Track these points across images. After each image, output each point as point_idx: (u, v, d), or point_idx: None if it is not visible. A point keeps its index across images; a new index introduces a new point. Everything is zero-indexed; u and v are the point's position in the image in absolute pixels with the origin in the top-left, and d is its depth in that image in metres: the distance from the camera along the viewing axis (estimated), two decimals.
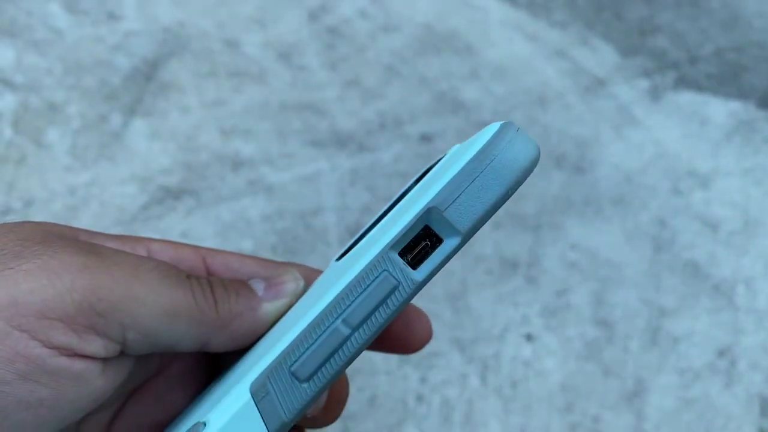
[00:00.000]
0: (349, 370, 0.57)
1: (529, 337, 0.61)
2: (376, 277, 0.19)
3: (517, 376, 0.59)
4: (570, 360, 0.60)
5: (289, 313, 0.24)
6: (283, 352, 0.18)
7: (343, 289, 0.19)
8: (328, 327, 0.18)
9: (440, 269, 0.20)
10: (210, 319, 0.23)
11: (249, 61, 0.76)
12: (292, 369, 0.18)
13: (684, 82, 0.80)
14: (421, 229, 0.20)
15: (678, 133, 0.76)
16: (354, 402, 0.56)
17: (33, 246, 0.21)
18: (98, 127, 0.69)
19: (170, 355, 0.26)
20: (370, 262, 0.19)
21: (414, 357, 0.59)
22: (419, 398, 0.57)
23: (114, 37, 0.76)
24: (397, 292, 0.19)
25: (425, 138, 0.72)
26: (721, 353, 0.61)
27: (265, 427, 0.18)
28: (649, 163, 0.73)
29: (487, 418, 0.56)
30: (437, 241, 0.20)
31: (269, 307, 0.24)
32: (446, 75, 0.77)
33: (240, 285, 0.24)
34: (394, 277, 0.19)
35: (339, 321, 0.18)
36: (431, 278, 0.20)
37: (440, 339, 0.60)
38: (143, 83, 0.73)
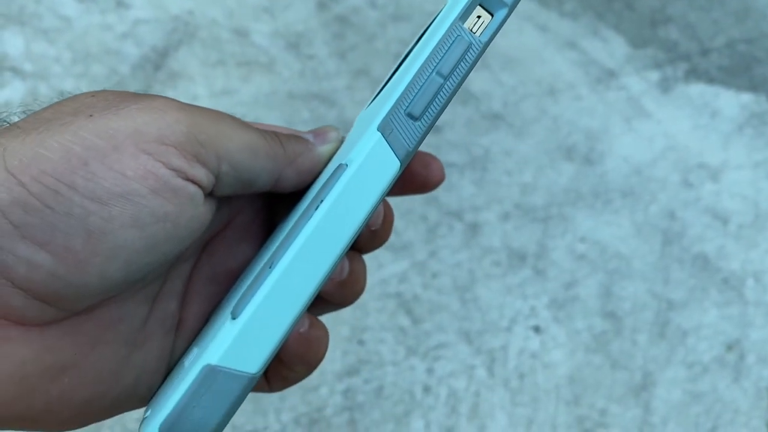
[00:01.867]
0: (355, 361, 0.57)
1: (536, 329, 0.61)
2: (453, 41, 0.25)
3: (525, 369, 0.59)
4: (578, 352, 0.60)
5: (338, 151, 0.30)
6: (397, 99, 0.24)
7: (432, 51, 0.25)
8: (427, 78, 0.24)
9: (495, 35, 0.26)
10: (280, 155, 0.27)
11: (258, 50, 0.76)
12: (407, 111, 0.24)
13: (695, 74, 0.80)
14: (476, 6, 0.26)
15: (688, 125, 0.75)
16: (361, 393, 0.56)
17: (130, 97, 0.25)
18: None
19: (234, 211, 0.30)
20: (446, 32, 0.25)
21: (421, 347, 0.59)
22: (426, 389, 0.57)
23: (123, 25, 0.76)
24: (470, 51, 0.25)
25: (434, 128, 0.71)
26: (730, 347, 0.61)
27: (395, 156, 0.24)
28: (659, 155, 0.72)
29: (494, 410, 0.56)
30: (490, 14, 0.26)
31: (322, 149, 0.29)
32: None
33: (294, 135, 0.29)
34: (466, 40, 0.25)
35: (434, 74, 0.24)
36: (490, 42, 0.25)
37: (448, 330, 0.60)
38: (152, 72, 0.73)
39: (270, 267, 0.23)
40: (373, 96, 0.32)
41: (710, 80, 0.79)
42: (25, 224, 0.22)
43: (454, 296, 0.61)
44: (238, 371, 0.21)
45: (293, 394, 0.55)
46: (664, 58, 0.81)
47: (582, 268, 0.64)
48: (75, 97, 0.25)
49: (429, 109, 0.24)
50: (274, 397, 0.55)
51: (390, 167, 0.24)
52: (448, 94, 0.25)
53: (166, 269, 0.27)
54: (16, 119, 0.24)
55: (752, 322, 0.62)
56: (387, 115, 0.24)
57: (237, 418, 0.54)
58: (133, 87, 0.71)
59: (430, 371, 0.58)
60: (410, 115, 0.24)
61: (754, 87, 0.79)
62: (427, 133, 0.25)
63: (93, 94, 0.25)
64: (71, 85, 0.70)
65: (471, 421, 0.56)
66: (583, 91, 0.77)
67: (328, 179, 0.24)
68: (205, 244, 0.29)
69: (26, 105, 0.26)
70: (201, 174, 0.24)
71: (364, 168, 0.23)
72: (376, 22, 0.80)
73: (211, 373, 0.21)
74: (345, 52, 0.77)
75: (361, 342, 0.58)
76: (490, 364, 0.58)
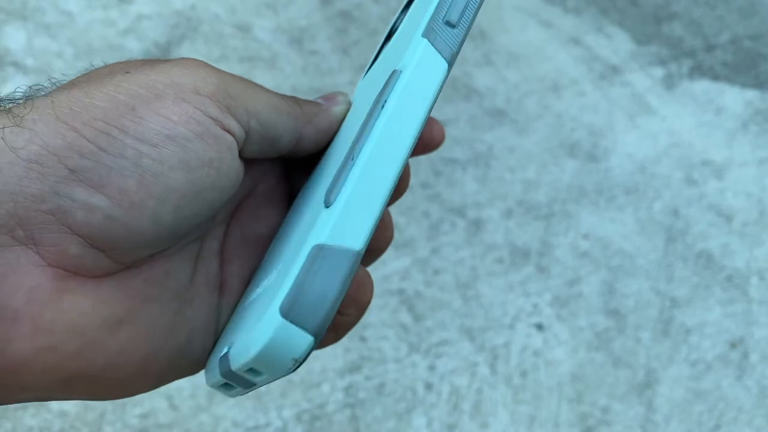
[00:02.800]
0: (357, 358, 0.57)
1: (539, 327, 0.60)
2: None
3: (527, 366, 0.58)
4: (580, 350, 0.59)
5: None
6: (435, 9, 0.26)
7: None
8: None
9: None
10: (299, 114, 0.28)
11: (260, 45, 0.76)
12: (445, 19, 0.26)
13: (699, 71, 0.79)
14: None
15: (693, 122, 0.75)
16: (362, 389, 0.56)
17: (159, 60, 0.27)
18: None
19: (257, 178, 0.31)
20: None
21: (423, 345, 0.58)
22: (428, 386, 0.57)
23: (125, 20, 0.76)
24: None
25: None
26: (734, 345, 0.61)
27: (443, 59, 0.26)
28: (662, 152, 0.72)
29: (496, 408, 0.56)
30: None
31: (336, 109, 0.30)
32: (459, 61, 0.77)
33: (308, 100, 0.31)
34: None
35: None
36: None
37: (450, 328, 0.60)
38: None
39: (352, 159, 0.24)
40: (370, 62, 0.34)
41: (715, 77, 0.79)
42: (81, 168, 0.23)
43: (456, 293, 0.61)
44: (345, 247, 0.23)
45: (295, 390, 0.55)
46: (668, 54, 0.80)
47: (585, 265, 0.64)
48: (107, 65, 0.26)
49: (465, 15, 0.26)
50: (276, 393, 0.55)
51: (440, 68, 0.25)
52: (470, 16, 0.27)
53: (204, 230, 0.28)
54: (19, 95, 0.25)
55: (756, 320, 0.62)
56: (428, 23, 0.26)
57: (238, 415, 0.54)
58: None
59: (432, 368, 0.58)
60: (448, 23, 0.26)
61: (759, 84, 0.78)
62: (465, 39, 0.27)
63: (124, 62, 0.26)
64: None
65: (473, 418, 0.56)
66: (586, 87, 0.76)
67: (385, 84, 0.25)
68: (233, 210, 0.30)
69: (32, 86, 0.26)
70: (234, 126, 0.26)
71: (418, 69, 0.25)
72: (378, 17, 0.80)
73: (320, 251, 0.22)
74: (348, 48, 0.76)
75: (362, 339, 0.58)
76: (492, 362, 0.58)
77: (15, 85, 0.69)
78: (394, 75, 0.25)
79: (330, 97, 0.31)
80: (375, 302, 0.60)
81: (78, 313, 0.23)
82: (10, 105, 0.24)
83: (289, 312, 0.21)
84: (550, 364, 0.59)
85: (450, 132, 0.71)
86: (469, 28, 0.27)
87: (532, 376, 0.58)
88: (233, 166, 0.26)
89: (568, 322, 0.61)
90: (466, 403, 0.56)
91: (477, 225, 0.65)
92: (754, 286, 0.64)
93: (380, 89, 0.26)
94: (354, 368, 0.57)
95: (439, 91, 0.26)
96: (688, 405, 0.58)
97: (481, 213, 0.66)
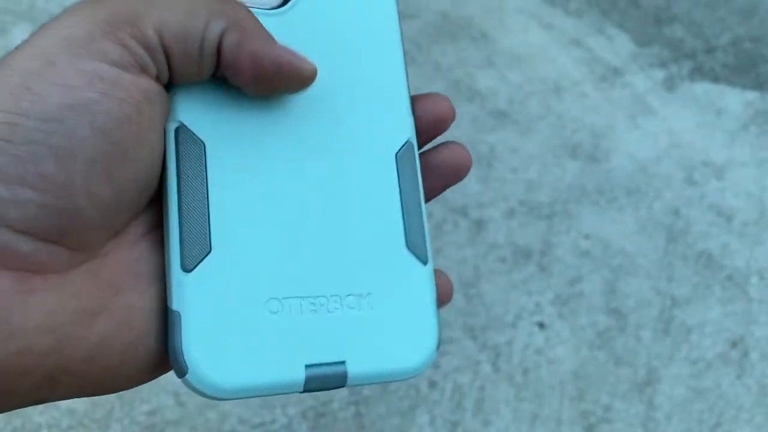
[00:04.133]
0: None
1: (541, 325, 0.61)
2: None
3: (529, 364, 0.59)
4: (582, 348, 0.60)
5: None
6: None
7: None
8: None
9: None
10: (219, 11, 0.25)
11: None
12: None
13: (700, 72, 0.80)
14: None
15: (693, 123, 0.75)
16: (367, 387, 0.57)
17: (50, 22, 0.24)
18: None
19: None
20: None
21: None
22: (432, 384, 0.57)
23: None
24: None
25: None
26: (734, 344, 0.61)
27: None
28: (663, 153, 0.73)
29: (499, 405, 0.57)
30: None
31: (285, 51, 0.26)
32: (461, 63, 0.77)
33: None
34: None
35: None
36: None
37: (453, 326, 0.60)
38: None
39: None
40: None
41: (715, 78, 0.79)
42: None
43: (459, 292, 0.62)
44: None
45: None
46: (669, 56, 0.81)
47: (586, 264, 0.64)
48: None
49: None
50: None
51: None
52: None
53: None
54: None
55: (756, 319, 0.63)
56: None
57: (244, 412, 0.54)
58: None
59: (435, 366, 0.58)
60: None
61: (759, 85, 0.79)
62: None
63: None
64: None
65: (476, 415, 0.56)
66: (588, 88, 0.77)
67: None
68: None
69: None
70: (144, 57, 0.23)
71: None
72: None
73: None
74: None
75: None
76: (495, 360, 0.59)
77: None
78: None
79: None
80: None
81: (46, 311, 0.22)
82: None
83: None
84: (552, 362, 0.59)
85: (452, 133, 0.72)
86: None
87: (534, 374, 0.58)
88: (156, 112, 0.24)
89: (570, 320, 0.61)
90: (468, 400, 0.57)
91: (479, 225, 0.66)
92: (754, 286, 0.65)
93: None
94: None
95: None
96: (689, 403, 0.58)
97: (484, 213, 0.67)
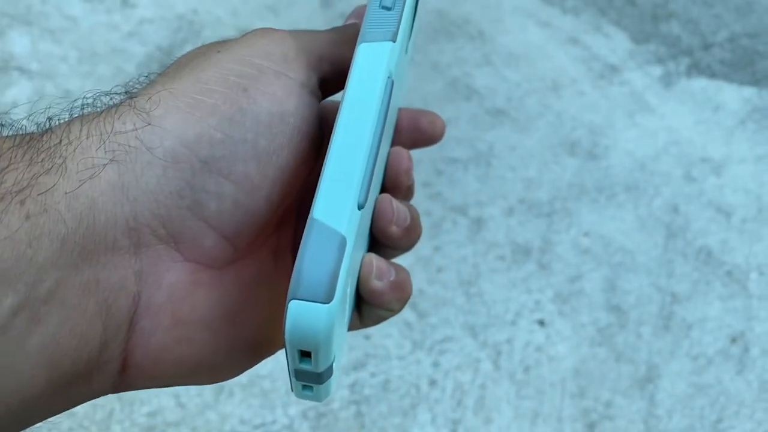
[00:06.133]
0: (362, 355, 0.57)
1: (541, 323, 0.61)
2: None
3: (530, 362, 0.59)
4: (583, 346, 0.60)
5: None
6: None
7: None
8: None
9: None
10: (346, 37, 0.28)
11: None
12: (382, 4, 0.27)
13: (697, 69, 0.80)
14: None
15: (691, 119, 0.75)
16: (367, 386, 0.57)
17: (230, 40, 0.26)
18: None
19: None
20: None
21: (427, 341, 0.59)
22: (432, 383, 0.57)
23: (128, 24, 0.76)
24: None
25: None
26: (734, 339, 0.62)
27: (383, 41, 0.26)
28: (662, 149, 0.73)
29: (500, 403, 0.57)
30: None
31: None
32: (459, 61, 0.77)
33: (342, 25, 0.30)
34: None
35: None
36: None
37: (453, 324, 0.60)
38: (157, 71, 0.73)
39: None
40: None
41: (712, 75, 0.79)
42: (211, 158, 0.23)
43: (459, 291, 0.62)
44: (330, 226, 0.23)
45: None
46: (666, 53, 0.81)
47: (586, 262, 0.64)
48: (189, 53, 0.26)
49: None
50: (282, 391, 0.55)
51: (382, 51, 0.26)
52: None
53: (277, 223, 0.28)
54: (25, 122, 0.25)
55: (756, 314, 0.63)
56: (363, 27, 0.26)
57: (245, 412, 0.54)
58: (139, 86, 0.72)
59: (436, 365, 0.58)
60: (384, 7, 0.27)
61: (756, 81, 0.79)
62: (407, 17, 0.27)
63: (203, 46, 0.26)
64: (77, 84, 0.70)
65: (477, 414, 0.56)
66: (586, 86, 0.77)
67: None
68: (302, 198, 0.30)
69: (32, 108, 0.26)
70: (315, 83, 0.26)
71: (358, 71, 0.25)
72: None
73: (313, 224, 0.23)
74: None
75: (367, 336, 0.59)
76: (495, 358, 0.59)
77: (20, 89, 0.70)
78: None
79: (356, 14, 0.31)
80: None
81: (208, 306, 0.24)
82: (129, 99, 0.24)
83: (295, 292, 0.22)
84: (553, 359, 0.59)
85: (451, 132, 0.72)
86: (403, 6, 0.27)
87: (535, 372, 0.58)
88: (319, 131, 0.26)
89: (570, 318, 0.61)
90: (469, 398, 0.57)
91: (479, 223, 0.66)
92: (754, 282, 0.65)
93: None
94: (359, 365, 0.58)
95: (393, 71, 0.26)
96: (690, 399, 0.58)
97: (483, 211, 0.67)
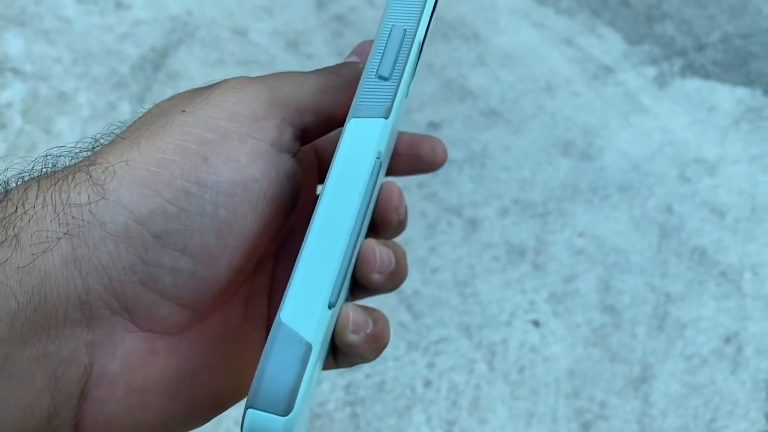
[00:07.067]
0: None
1: (536, 324, 0.61)
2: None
3: (524, 362, 0.59)
4: (577, 346, 0.60)
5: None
6: (367, 71, 0.26)
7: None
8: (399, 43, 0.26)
9: None
10: (340, 83, 0.27)
11: (257, 49, 0.76)
12: (379, 73, 0.25)
13: (691, 69, 0.80)
14: None
15: (685, 120, 0.76)
16: (362, 387, 0.57)
17: (202, 89, 0.25)
18: (107, 115, 0.69)
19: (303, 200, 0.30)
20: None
21: (422, 342, 0.59)
22: (427, 383, 0.57)
23: (122, 25, 0.76)
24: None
25: (433, 125, 0.72)
26: (728, 339, 0.62)
27: (376, 118, 0.25)
28: (656, 150, 0.73)
29: (494, 404, 0.57)
30: None
31: None
32: (454, 62, 0.77)
33: (342, 63, 0.30)
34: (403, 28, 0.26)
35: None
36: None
37: (448, 325, 0.60)
38: (152, 72, 0.73)
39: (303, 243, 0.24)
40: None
41: (706, 75, 0.80)
42: (165, 233, 0.23)
43: (453, 291, 0.62)
44: (297, 333, 0.22)
45: None
46: (660, 53, 0.81)
47: (581, 262, 0.65)
48: (157, 105, 0.25)
49: (396, 68, 0.26)
50: None
51: (374, 129, 0.25)
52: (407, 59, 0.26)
53: (252, 269, 0.28)
54: (39, 167, 0.24)
55: (750, 314, 0.63)
56: (355, 101, 0.25)
57: (240, 415, 0.54)
58: (134, 87, 0.72)
59: (430, 365, 0.58)
60: (381, 77, 0.25)
61: (750, 82, 0.79)
62: (402, 90, 0.26)
63: (172, 98, 0.26)
64: (72, 86, 0.70)
65: (472, 414, 0.56)
66: (580, 87, 0.77)
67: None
68: (277, 247, 0.29)
69: (49, 153, 0.25)
70: (290, 138, 0.25)
71: (346, 152, 0.24)
72: (374, 20, 0.80)
73: (280, 328, 0.22)
74: (344, 51, 0.77)
75: None
76: (490, 358, 0.59)
77: (14, 90, 0.70)
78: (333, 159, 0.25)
79: (360, 52, 0.30)
80: (374, 301, 0.60)
81: (164, 374, 0.24)
82: (87, 166, 0.23)
83: (254, 402, 0.22)
84: (547, 360, 0.59)
85: (445, 132, 0.72)
86: (401, 77, 0.26)
87: (530, 372, 0.59)
88: (294, 189, 0.25)
89: (565, 318, 0.61)
90: (464, 399, 0.57)
91: (473, 224, 0.66)
92: (748, 281, 0.65)
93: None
94: (354, 366, 0.58)
95: (383, 151, 0.25)
96: (684, 399, 0.58)
97: (478, 212, 0.67)
